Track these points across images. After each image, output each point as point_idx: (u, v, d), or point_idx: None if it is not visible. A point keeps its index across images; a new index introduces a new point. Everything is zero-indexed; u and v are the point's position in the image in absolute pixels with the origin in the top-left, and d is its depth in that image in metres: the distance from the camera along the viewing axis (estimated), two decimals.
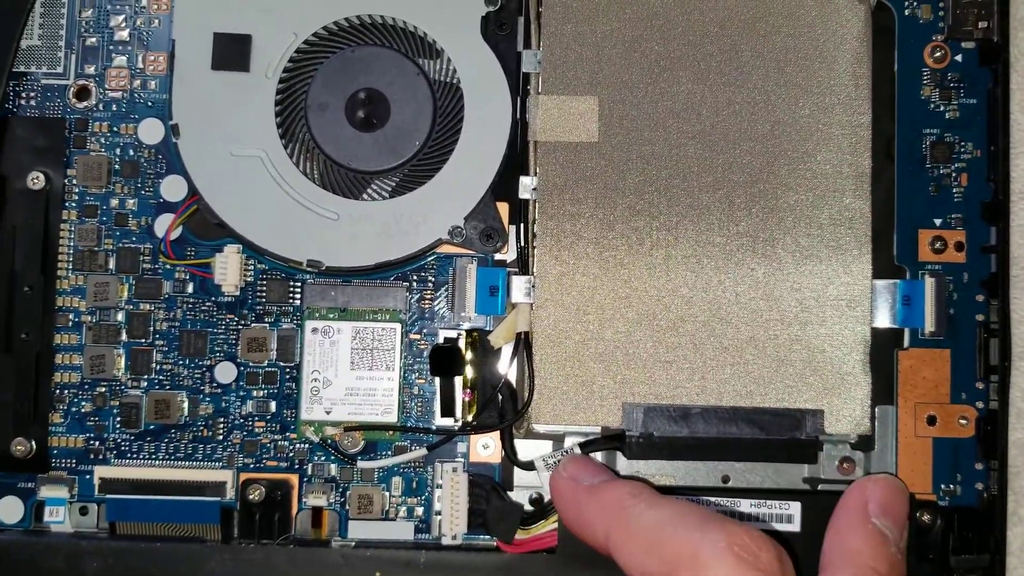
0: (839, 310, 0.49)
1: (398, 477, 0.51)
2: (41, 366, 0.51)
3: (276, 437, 0.51)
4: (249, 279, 0.52)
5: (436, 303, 0.52)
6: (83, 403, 0.51)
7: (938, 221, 0.52)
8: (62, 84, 0.53)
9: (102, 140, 0.52)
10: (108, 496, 0.50)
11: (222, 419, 0.51)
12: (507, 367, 0.50)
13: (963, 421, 0.51)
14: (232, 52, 0.51)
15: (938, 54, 0.52)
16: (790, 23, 0.51)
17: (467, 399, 0.51)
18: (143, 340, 0.52)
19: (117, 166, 0.52)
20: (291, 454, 0.51)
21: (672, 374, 0.49)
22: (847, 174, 0.50)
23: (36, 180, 0.52)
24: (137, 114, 0.52)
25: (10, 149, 0.52)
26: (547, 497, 0.49)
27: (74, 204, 0.52)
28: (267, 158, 0.51)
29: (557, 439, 0.50)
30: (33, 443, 0.51)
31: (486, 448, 0.51)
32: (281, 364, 0.51)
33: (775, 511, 0.47)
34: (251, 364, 0.51)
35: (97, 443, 0.51)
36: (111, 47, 0.53)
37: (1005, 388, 0.50)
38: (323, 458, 0.51)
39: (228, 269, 0.51)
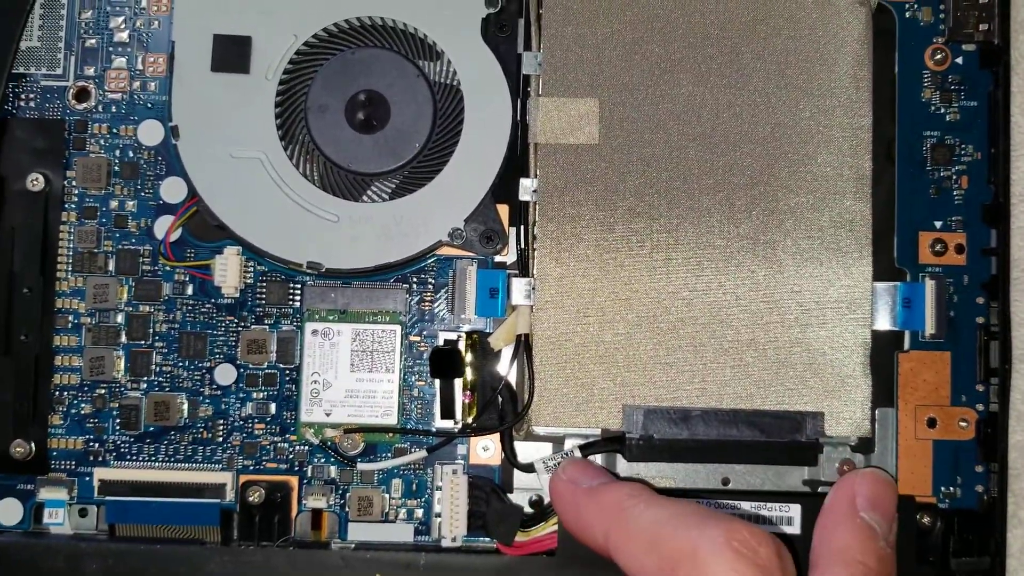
0: (839, 312, 0.49)
1: (398, 479, 0.51)
2: (40, 368, 0.51)
3: (276, 439, 0.51)
4: (249, 281, 0.52)
5: (436, 305, 0.52)
6: (83, 405, 0.51)
7: (938, 223, 0.52)
8: (62, 85, 0.53)
9: (102, 142, 0.52)
10: (108, 498, 0.50)
11: (222, 421, 0.51)
12: (507, 369, 0.50)
13: (963, 423, 0.51)
14: (232, 54, 0.51)
15: (939, 56, 0.52)
16: (791, 25, 0.51)
17: (467, 401, 0.51)
18: (143, 342, 0.51)
19: (117, 168, 0.52)
20: (291, 456, 0.51)
21: (672, 376, 0.49)
22: (848, 176, 0.50)
23: (36, 181, 0.51)
24: (137, 116, 0.52)
25: (9, 150, 0.52)
26: (547, 499, 0.49)
27: (74, 206, 0.52)
28: (267, 160, 0.51)
29: (557, 441, 0.50)
30: (32, 445, 0.51)
31: (486, 450, 0.51)
32: (281, 366, 0.51)
33: (775, 513, 0.47)
34: (251, 366, 0.51)
35: (97, 445, 0.51)
36: (111, 48, 0.53)
37: (1005, 390, 0.50)
38: (323, 460, 0.51)
39: (228, 271, 0.51)
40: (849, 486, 0.41)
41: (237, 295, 0.52)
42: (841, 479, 0.42)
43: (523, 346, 0.49)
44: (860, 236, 0.50)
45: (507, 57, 0.52)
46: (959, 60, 0.53)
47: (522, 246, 0.51)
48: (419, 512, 0.51)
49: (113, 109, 0.52)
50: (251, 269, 0.52)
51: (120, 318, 0.52)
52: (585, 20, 0.51)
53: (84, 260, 0.52)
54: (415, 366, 0.52)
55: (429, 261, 0.52)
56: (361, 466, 0.51)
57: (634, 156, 0.50)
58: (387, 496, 0.51)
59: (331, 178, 0.52)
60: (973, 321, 0.51)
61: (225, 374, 0.51)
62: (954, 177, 0.52)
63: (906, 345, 0.51)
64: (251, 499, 0.50)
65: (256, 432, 0.51)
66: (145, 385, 0.51)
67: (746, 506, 0.47)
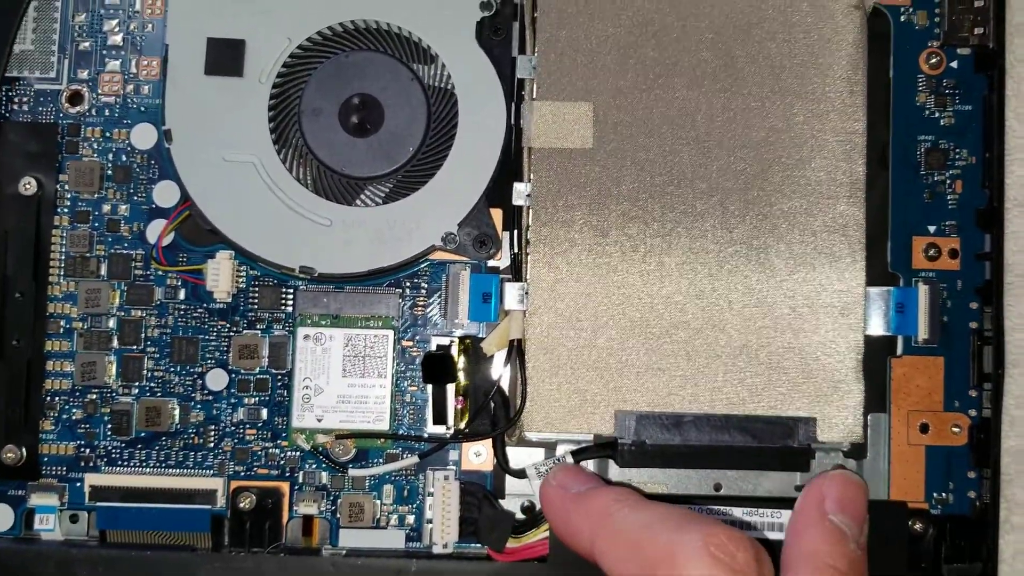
0: (832, 317, 0.49)
1: (389, 485, 0.51)
2: (32, 373, 0.51)
3: (267, 445, 0.51)
4: (241, 285, 0.52)
5: (429, 310, 0.52)
6: (74, 410, 0.51)
7: (932, 228, 0.52)
8: (55, 89, 0.52)
9: (94, 145, 0.52)
10: (99, 504, 0.50)
11: (213, 426, 0.51)
12: (500, 374, 0.50)
13: (956, 429, 0.51)
14: (225, 57, 0.51)
15: (933, 60, 0.52)
16: (785, 29, 0.50)
17: (459, 406, 0.50)
18: (134, 347, 0.51)
19: (109, 171, 0.52)
20: (282, 462, 0.51)
21: (665, 381, 0.49)
22: (841, 181, 0.50)
23: (28, 185, 0.51)
24: (130, 119, 0.52)
25: (2, 154, 0.52)
26: (539, 505, 0.49)
27: (66, 209, 0.52)
28: (260, 164, 0.51)
29: (549, 447, 0.50)
30: (23, 450, 0.50)
31: (478, 456, 0.51)
32: (273, 371, 0.51)
33: (767, 519, 0.47)
34: (242, 371, 0.51)
35: (88, 450, 0.51)
36: (104, 52, 0.53)
37: (999, 396, 0.49)
38: (314, 466, 0.51)
39: (220, 275, 0.51)
40: (817, 489, 0.40)
41: (229, 300, 0.51)
42: (810, 482, 0.41)
43: (516, 351, 0.49)
44: (853, 241, 0.49)
45: (501, 61, 0.52)
46: (954, 64, 0.52)
47: (515, 251, 0.51)
48: (410, 518, 0.51)
49: (106, 112, 0.52)
50: (243, 273, 0.52)
51: (112, 323, 0.51)
52: (579, 24, 0.50)
53: (76, 264, 0.52)
54: (407, 371, 0.51)
55: (422, 266, 0.52)
56: (352, 472, 0.51)
57: (628, 160, 0.50)
58: (378, 502, 0.51)
59: (324, 182, 0.51)
60: (966, 326, 0.51)
61: (217, 379, 0.51)
62: (948, 181, 0.52)
63: (899, 350, 0.51)
64: (242, 505, 0.50)
65: (247, 438, 0.51)
66: (137, 390, 0.51)
67: (738, 512, 0.47)
